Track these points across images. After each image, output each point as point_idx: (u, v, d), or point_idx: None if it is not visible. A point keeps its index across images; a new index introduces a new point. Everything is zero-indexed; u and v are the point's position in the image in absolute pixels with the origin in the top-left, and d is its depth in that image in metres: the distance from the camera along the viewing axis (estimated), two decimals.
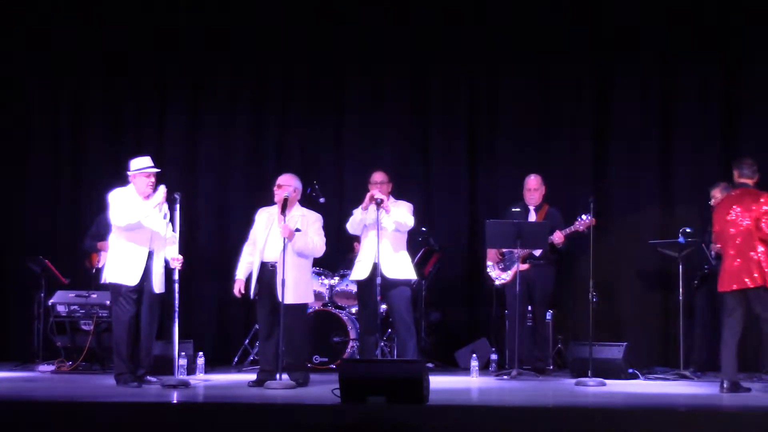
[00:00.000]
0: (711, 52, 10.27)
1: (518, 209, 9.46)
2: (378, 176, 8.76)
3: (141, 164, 8.25)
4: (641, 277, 10.22)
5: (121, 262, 8.12)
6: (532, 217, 9.43)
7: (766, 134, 10.09)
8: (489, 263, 9.55)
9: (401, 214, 8.52)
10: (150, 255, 8.11)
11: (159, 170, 8.31)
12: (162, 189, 8.13)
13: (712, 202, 9.36)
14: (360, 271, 8.59)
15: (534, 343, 9.40)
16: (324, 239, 8.31)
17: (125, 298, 8.07)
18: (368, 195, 8.48)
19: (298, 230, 8.12)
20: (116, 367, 8.14)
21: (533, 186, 9.48)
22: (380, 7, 10.74)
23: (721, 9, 10.25)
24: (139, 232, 8.11)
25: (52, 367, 9.51)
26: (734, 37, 10.22)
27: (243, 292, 8.26)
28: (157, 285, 8.18)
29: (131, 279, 8.08)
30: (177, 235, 8.27)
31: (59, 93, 11.10)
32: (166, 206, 8.23)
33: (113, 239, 8.24)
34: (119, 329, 8.09)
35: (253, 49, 10.92)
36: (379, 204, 8.39)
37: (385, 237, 8.47)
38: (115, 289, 8.14)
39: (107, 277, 8.20)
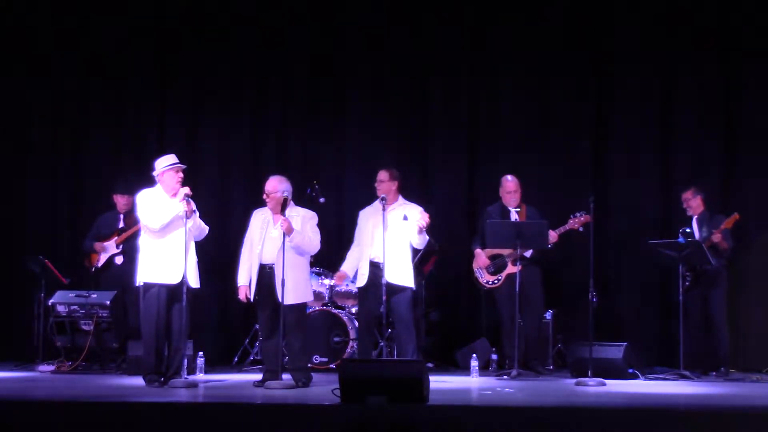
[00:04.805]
0: (711, 51, 10.28)
1: (519, 209, 9.45)
2: (379, 174, 8.76)
3: (168, 161, 8.23)
4: (641, 277, 10.22)
5: (158, 261, 8.04)
6: (513, 217, 9.41)
7: (767, 134, 10.11)
8: (476, 268, 9.55)
9: (424, 238, 8.60)
10: (186, 251, 8.04)
11: (185, 166, 8.30)
12: (185, 189, 8.08)
13: (684, 204, 9.42)
14: (362, 277, 8.65)
15: (528, 344, 9.37)
16: (319, 236, 8.30)
17: (158, 297, 8.01)
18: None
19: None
20: (145, 367, 8.11)
21: (513, 188, 9.44)
22: (380, 8, 10.75)
23: (721, 9, 10.24)
24: (174, 229, 8.06)
25: (52, 367, 9.51)
26: (735, 37, 10.23)
27: (249, 296, 8.22)
28: (193, 280, 8.17)
29: (172, 277, 8.03)
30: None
31: (59, 93, 11.09)
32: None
33: (145, 240, 8.16)
34: (149, 328, 8.03)
35: (253, 49, 10.93)
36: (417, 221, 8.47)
37: (391, 241, 8.47)
38: (145, 289, 8.06)
39: (143, 277, 8.09)
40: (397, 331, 8.67)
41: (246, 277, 8.21)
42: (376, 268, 8.54)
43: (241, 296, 8.24)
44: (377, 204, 8.73)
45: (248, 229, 8.33)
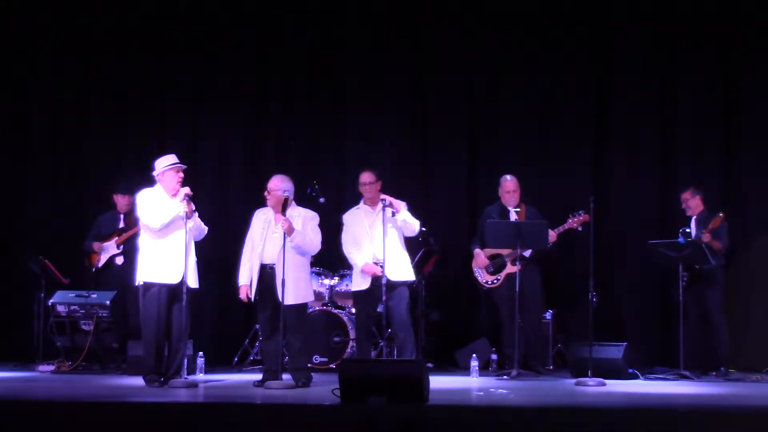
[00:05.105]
0: (711, 51, 10.27)
1: (518, 209, 9.46)
2: (365, 177, 8.72)
3: (168, 161, 8.22)
4: (641, 277, 10.22)
5: (158, 261, 8.04)
6: (513, 217, 9.41)
7: (767, 134, 10.11)
8: (476, 269, 9.55)
9: (409, 216, 8.57)
10: (186, 251, 8.04)
11: (186, 166, 8.29)
12: (185, 190, 8.07)
13: (683, 205, 9.43)
14: (362, 280, 8.59)
15: (528, 344, 9.37)
16: (320, 236, 8.30)
17: (158, 297, 8.00)
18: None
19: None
20: (145, 367, 8.11)
21: (512, 188, 9.45)
22: (381, 7, 10.74)
23: (721, 9, 10.24)
24: (174, 230, 8.04)
25: (52, 367, 9.51)
26: (735, 37, 10.22)
27: (250, 296, 8.20)
28: (192, 280, 8.16)
29: (172, 277, 8.02)
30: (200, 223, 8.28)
31: (60, 94, 11.09)
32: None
33: (145, 239, 8.16)
34: (149, 328, 8.03)
35: (253, 48, 10.93)
36: (387, 206, 8.42)
37: (387, 239, 8.47)
38: (145, 288, 8.06)
39: (143, 277, 8.08)
40: (396, 329, 8.60)
41: (247, 277, 8.21)
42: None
43: (242, 296, 8.24)
44: (363, 206, 8.70)
45: (250, 229, 8.33)
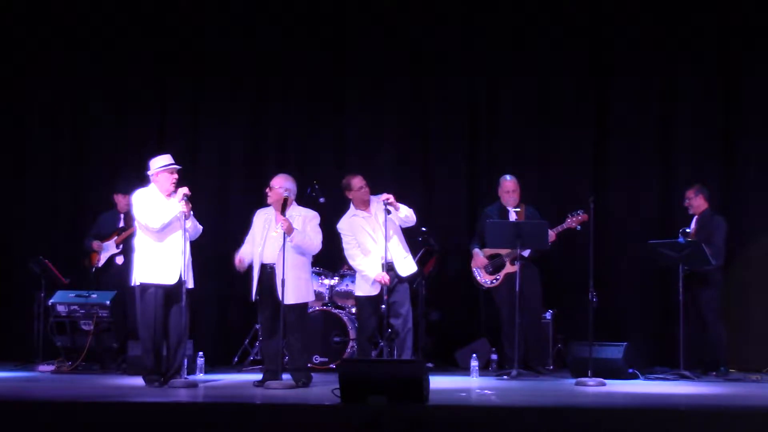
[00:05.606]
0: (711, 51, 10.28)
1: (518, 209, 9.46)
2: (358, 181, 8.67)
3: (163, 162, 8.20)
4: (641, 277, 10.22)
5: (155, 262, 8.03)
6: (513, 217, 9.42)
7: (767, 134, 10.11)
8: (474, 269, 9.56)
9: (407, 208, 8.58)
10: (184, 251, 8.03)
11: (180, 167, 8.29)
12: (183, 189, 8.07)
13: (686, 203, 9.43)
14: (371, 286, 8.52)
15: (528, 344, 9.37)
16: (320, 236, 8.30)
17: (155, 298, 7.99)
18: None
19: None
20: (144, 367, 8.10)
21: (511, 188, 9.46)
22: (380, 8, 10.74)
23: (721, 9, 10.24)
24: (172, 230, 8.04)
25: (52, 367, 9.51)
26: (735, 37, 10.23)
27: (244, 263, 8.16)
28: (189, 280, 8.15)
29: (169, 278, 8.02)
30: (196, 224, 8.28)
31: (60, 94, 11.09)
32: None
33: (142, 240, 8.15)
34: (146, 330, 8.02)
35: (253, 48, 10.93)
36: (389, 204, 8.42)
37: (390, 238, 8.48)
38: (142, 290, 8.05)
39: (140, 278, 8.07)
40: (400, 326, 8.53)
41: (248, 253, 8.20)
42: (390, 270, 8.51)
43: (236, 261, 8.22)
44: (358, 211, 8.66)
45: (251, 230, 8.34)
